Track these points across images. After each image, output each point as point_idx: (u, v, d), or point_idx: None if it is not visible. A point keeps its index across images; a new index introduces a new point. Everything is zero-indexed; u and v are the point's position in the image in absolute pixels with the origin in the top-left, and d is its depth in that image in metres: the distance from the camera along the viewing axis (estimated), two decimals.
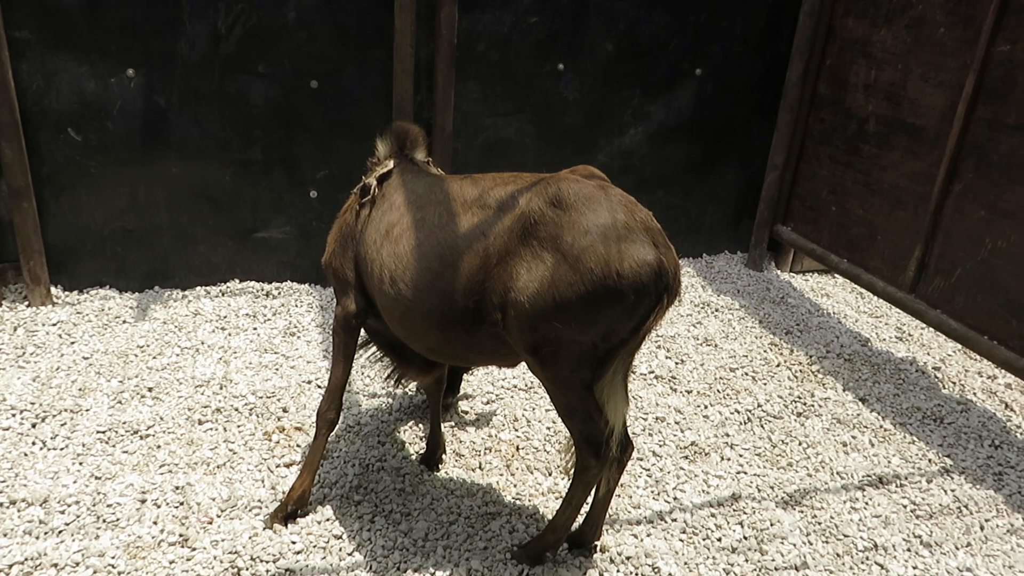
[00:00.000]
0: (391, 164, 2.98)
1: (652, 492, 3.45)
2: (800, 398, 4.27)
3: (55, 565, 2.82)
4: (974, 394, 4.49)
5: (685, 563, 3.06)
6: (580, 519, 3.03)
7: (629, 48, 5.32)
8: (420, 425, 3.78)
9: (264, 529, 3.05)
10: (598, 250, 2.35)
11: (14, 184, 4.33)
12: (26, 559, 2.82)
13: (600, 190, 2.48)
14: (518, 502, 3.32)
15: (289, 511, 3.08)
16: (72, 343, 4.25)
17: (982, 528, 3.41)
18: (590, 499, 2.97)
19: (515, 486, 3.42)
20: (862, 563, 3.15)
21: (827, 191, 5.37)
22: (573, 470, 2.78)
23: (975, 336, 4.20)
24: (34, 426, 3.56)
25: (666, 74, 5.48)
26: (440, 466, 3.52)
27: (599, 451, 2.64)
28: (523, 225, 2.46)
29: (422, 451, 3.58)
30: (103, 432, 3.54)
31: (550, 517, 3.21)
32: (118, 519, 3.06)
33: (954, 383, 4.59)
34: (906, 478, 3.69)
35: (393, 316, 2.79)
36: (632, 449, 2.86)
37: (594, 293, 2.35)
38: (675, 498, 3.43)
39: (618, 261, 2.34)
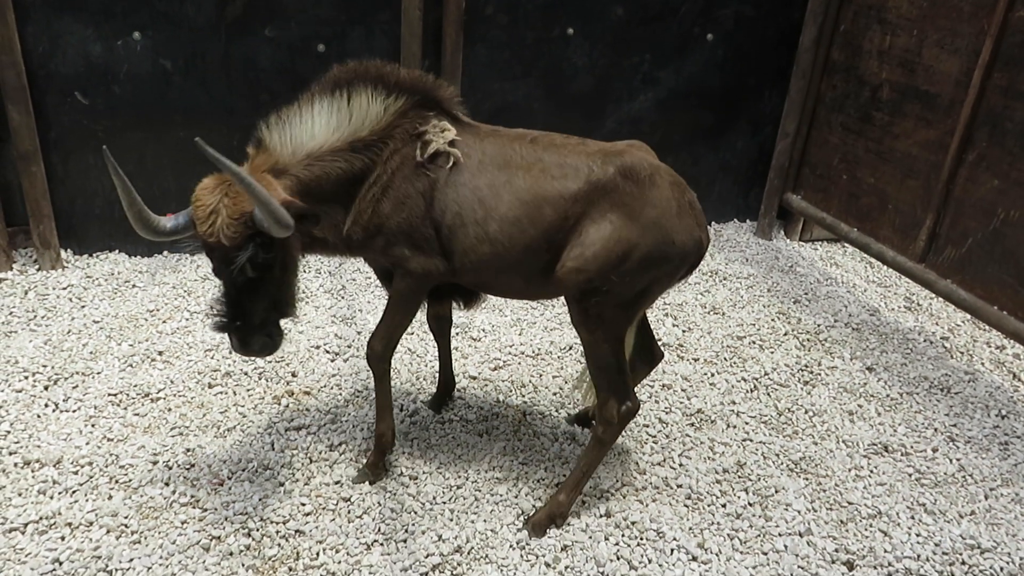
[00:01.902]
0: (452, 128, 2.91)
1: (658, 458, 3.47)
2: (807, 367, 4.27)
3: (69, 524, 2.87)
4: (982, 364, 4.49)
5: (690, 528, 3.10)
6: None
7: (639, 12, 5.24)
8: (427, 389, 3.80)
9: (276, 490, 3.09)
10: (661, 221, 2.74)
11: (22, 148, 4.33)
12: (41, 518, 2.87)
13: (662, 170, 2.85)
14: (525, 467, 3.35)
15: (385, 458, 3.24)
16: (83, 307, 4.28)
17: (986, 497, 3.43)
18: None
19: (522, 451, 3.45)
20: (865, 530, 3.18)
21: (838, 159, 5.32)
22: (592, 434, 3.03)
23: (985, 306, 4.19)
24: (46, 388, 3.60)
25: (676, 39, 5.41)
26: (449, 403, 3.66)
27: (623, 401, 2.94)
28: (598, 190, 2.75)
29: (430, 417, 3.61)
30: (114, 395, 3.58)
31: (557, 481, 3.25)
32: (130, 480, 3.10)
33: (962, 353, 4.58)
34: (911, 447, 3.70)
35: (487, 269, 2.89)
36: (662, 357, 3.31)
37: (651, 255, 2.75)
38: (680, 464, 3.45)
39: (675, 232, 2.77)
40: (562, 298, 4.70)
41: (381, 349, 3.07)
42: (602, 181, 2.75)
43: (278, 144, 2.81)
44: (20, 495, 2.98)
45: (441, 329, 3.51)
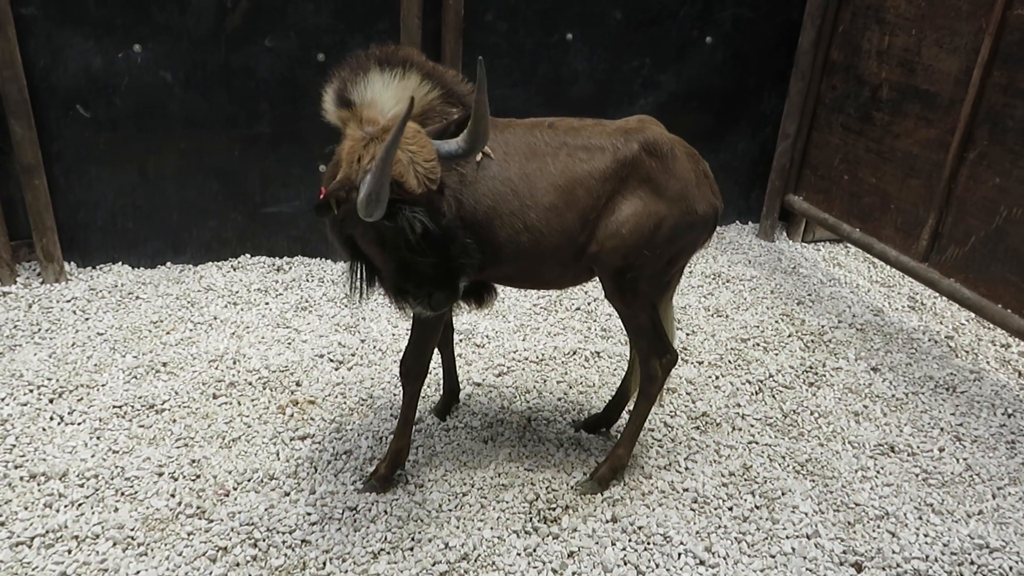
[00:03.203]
0: None
1: (663, 462, 3.46)
2: (812, 368, 4.26)
3: (75, 537, 2.86)
4: (987, 363, 4.47)
5: (696, 532, 3.09)
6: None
7: (638, 16, 5.25)
8: (431, 397, 3.80)
9: (282, 500, 3.09)
10: (685, 192, 2.90)
11: (25, 161, 4.34)
12: (47, 531, 2.87)
13: (677, 142, 2.98)
14: (530, 473, 3.34)
15: (396, 472, 3.22)
16: (87, 319, 4.29)
17: (994, 496, 3.41)
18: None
19: (527, 457, 3.44)
20: (873, 531, 3.17)
21: (839, 160, 5.32)
22: (638, 390, 3.25)
23: (989, 305, 4.18)
24: (51, 401, 3.60)
25: (676, 42, 5.41)
26: (454, 410, 3.67)
27: (663, 356, 3.15)
28: (625, 167, 2.86)
29: (435, 424, 3.61)
30: (119, 407, 3.58)
31: (564, 486, 3.25)
32: (136, 492, 3.10)
33: (967, 352, 4.57)
34: (918, 447, 3.69)
35: (524, 259, 2.91)
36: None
37: (679, 225, 2.91)
38: (686, 468, 3.44)
39: (697, 201, 2.94)
40: (567, 301, 4.73)
41: (418, 368, 3.09)
42: (628, 158, 2.85)
43: (368, 103, 2.58)
44: (26, 508, 2.98)
45: (444, 337, 3.50)
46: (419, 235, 2.44)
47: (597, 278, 3.09)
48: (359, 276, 2.86)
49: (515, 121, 3.02)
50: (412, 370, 3.08)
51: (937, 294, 4.97)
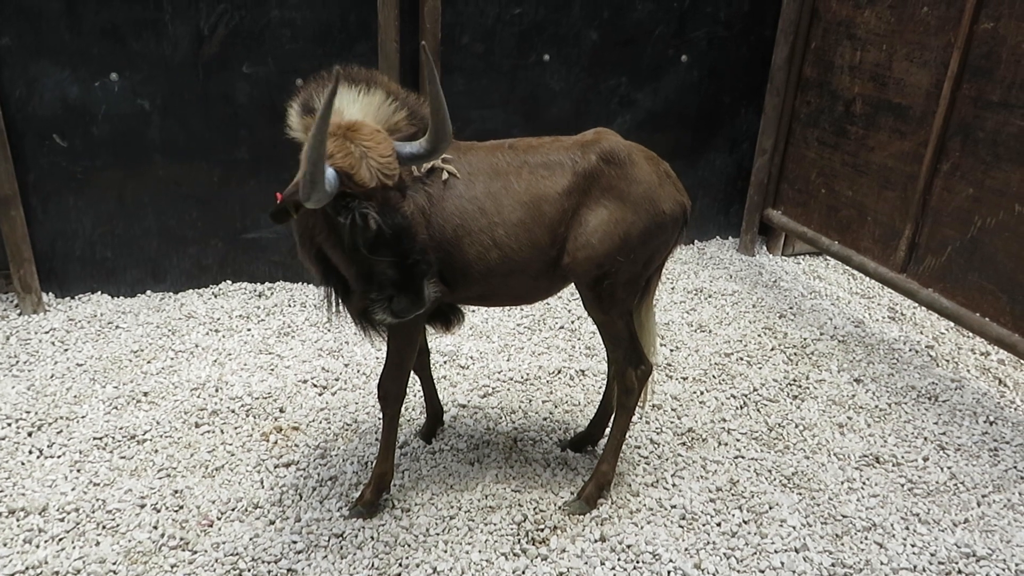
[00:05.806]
0: None
1: (650, 479, 3.46)
2: (795, 381, 4.28)
3: (56, 573, 2.81)
4: (968, 371, 4.51)
5: (685, 549, 3.08)
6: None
7: (614, 36, 5.31)
8: (416, 420, 3.78)
9: (267, 529, 3.05)
10: (649, 195, 2.96)
11: (1, 192, 4.30)
12: (27, 568, 2.82)
13: (634, 147, 3.03)
14: (517, 494, 3.32)
15: (381, 496, 3.21)
16: (65, 350, 4.23)
17: (979, 504, 3.43)
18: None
19: (514, 478, 3.42)
20: (861, 543, 3.18)
21: (816, 174, 5.38)
22: (616, 403, 3.25)
23: (967, 314, 4.23)
24: (30, 435, 3.55)
25: (652, 61, 5.48)
26: (440, 433, 3.66)
27: (639, 365, 3.19)
28: (586, 179, 2.92)
29: (420, 448, 3.59)
30: (100, 438, 3.53)
31: (551, 507, 3.23)
32: (118, 525, 3.05)
33: (948, 361, 4.61)
34: (902, 457, 3.71)
35: (495, 275, 2.95)
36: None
37: (648, 228, 2.97)
38: (673, 485, 3.44)
39: (663, 201, 2.99)
40: (551, 320, 4.74)
41: (396, 389, 3.08)
42: (588, 170, 2.91)
43: (335, 112, 2.53)
44: (5, 545, 2.92)
45: (420, 361, 3.46)
46: (373, 232, 2.41)
47: (574, 293, 3.11)
48: (333, 296, 2.85)
49: (476, 144, 3.07)
50: (390, 393, 3.08)
51: (916, 304, 5.02)
